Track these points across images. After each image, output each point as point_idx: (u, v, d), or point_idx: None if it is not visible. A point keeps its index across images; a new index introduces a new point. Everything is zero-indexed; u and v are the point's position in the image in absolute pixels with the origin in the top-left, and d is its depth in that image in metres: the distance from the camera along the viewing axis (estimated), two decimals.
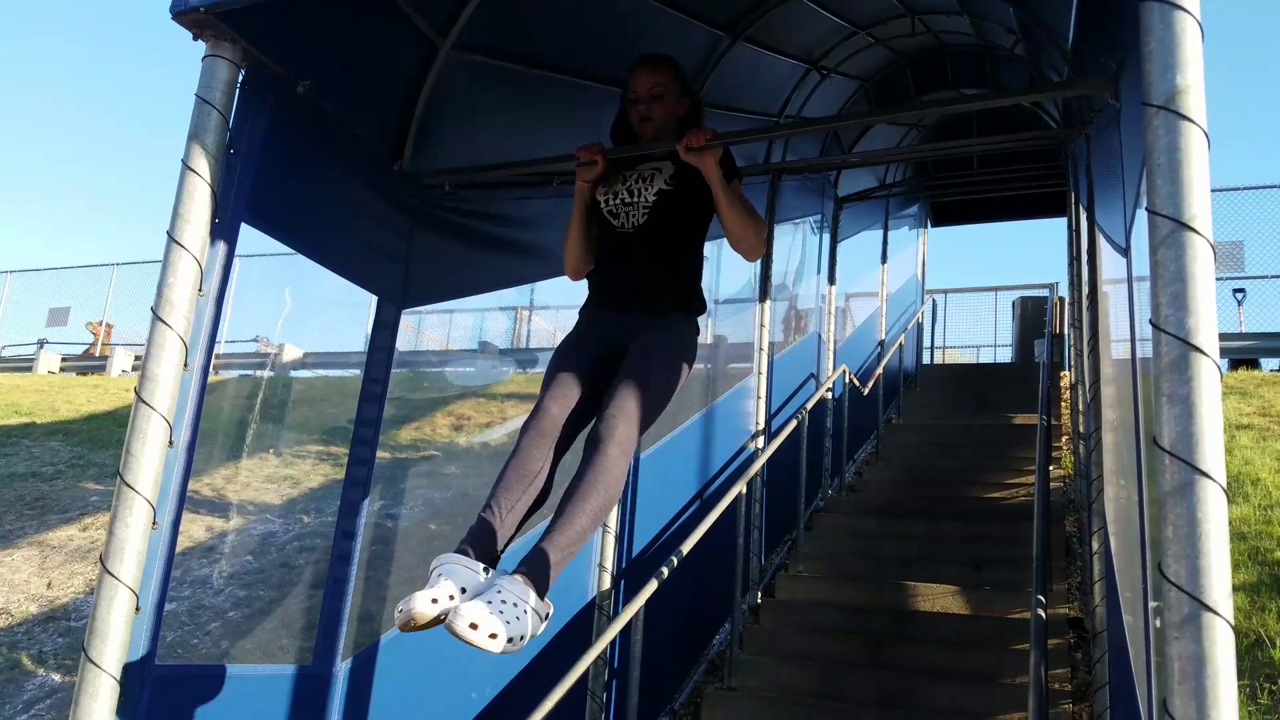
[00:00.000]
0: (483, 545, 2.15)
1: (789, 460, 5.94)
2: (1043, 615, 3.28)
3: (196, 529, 7.01)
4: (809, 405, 6.11)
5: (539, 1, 3.47)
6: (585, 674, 3.73)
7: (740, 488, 4.94)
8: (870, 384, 8.04)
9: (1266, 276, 11.33)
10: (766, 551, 6.01)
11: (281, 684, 2.93)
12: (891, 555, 5.94)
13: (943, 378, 11.49)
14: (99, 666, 2.06)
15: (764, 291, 6.02)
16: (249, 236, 2.56)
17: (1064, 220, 8.53)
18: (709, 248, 2.80)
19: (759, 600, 5.52)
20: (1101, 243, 3.56)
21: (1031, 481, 6.70)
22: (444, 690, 3.51)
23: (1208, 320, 1.32)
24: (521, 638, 1.96)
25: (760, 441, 5.86)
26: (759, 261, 6.02)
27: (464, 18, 3.21)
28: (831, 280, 7.79)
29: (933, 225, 11.80)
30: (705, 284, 2.77)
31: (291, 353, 13.68)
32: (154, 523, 2.18)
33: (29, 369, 15.25)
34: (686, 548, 4.18)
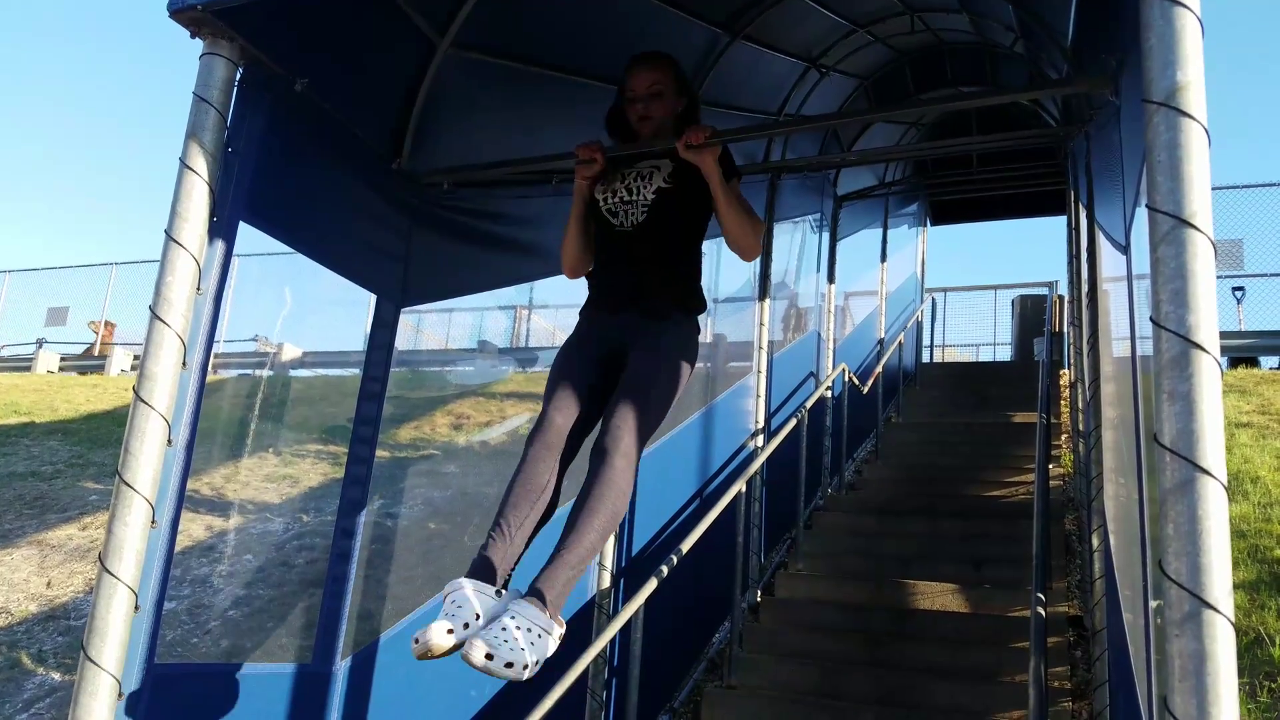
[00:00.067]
0: (493, 567, 2.18)
1: (788, 459, 5.93)
2: (1042, 613, 3.28)
3: (196, 528, 7.01)
4: (808, 404, 6.11)
5: (538, 0, 3.47)
6: (585, 672, 3.72)
7: (740, 486, 4.94)
8: (870, 382, 8.04)
9: (1266, 275, 11.34)
10: (766, 550, 6.01)
11: (281, 682, 2.92)
12: (891, 553, 5.94)
13: (942, 376, 11.49)
14: (98, 665, 2.06)
15: (763, 290, 6.02)
16: (248, 235, 2.56)
17: (1063, 218, 8.53)
18: (708, 246, 2.79)
19: (759, 599, 5.52)
20: (1101, 240, 3.56)
21: (1031, 479, 6.70)
22: (443, 688, 3.51)
23: (1208, 317, 1.32)
24: (536, 662, 2.00)
25: (760, 440, 5.86)
26: (758, 260, 6.02)
27: (462, 16, 3.20)
28: (831, 279, 7.78)
29: (932, 224, 11.80)
30: (705, 282, 2.77)
31: (290, 352, 13.68)
32: (153, 521, 2.18)
33: (28, 368, 15.24)
34: (686, 546, 4.18)
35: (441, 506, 7.58)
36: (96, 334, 16.11)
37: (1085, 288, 4.64)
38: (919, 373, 11.15)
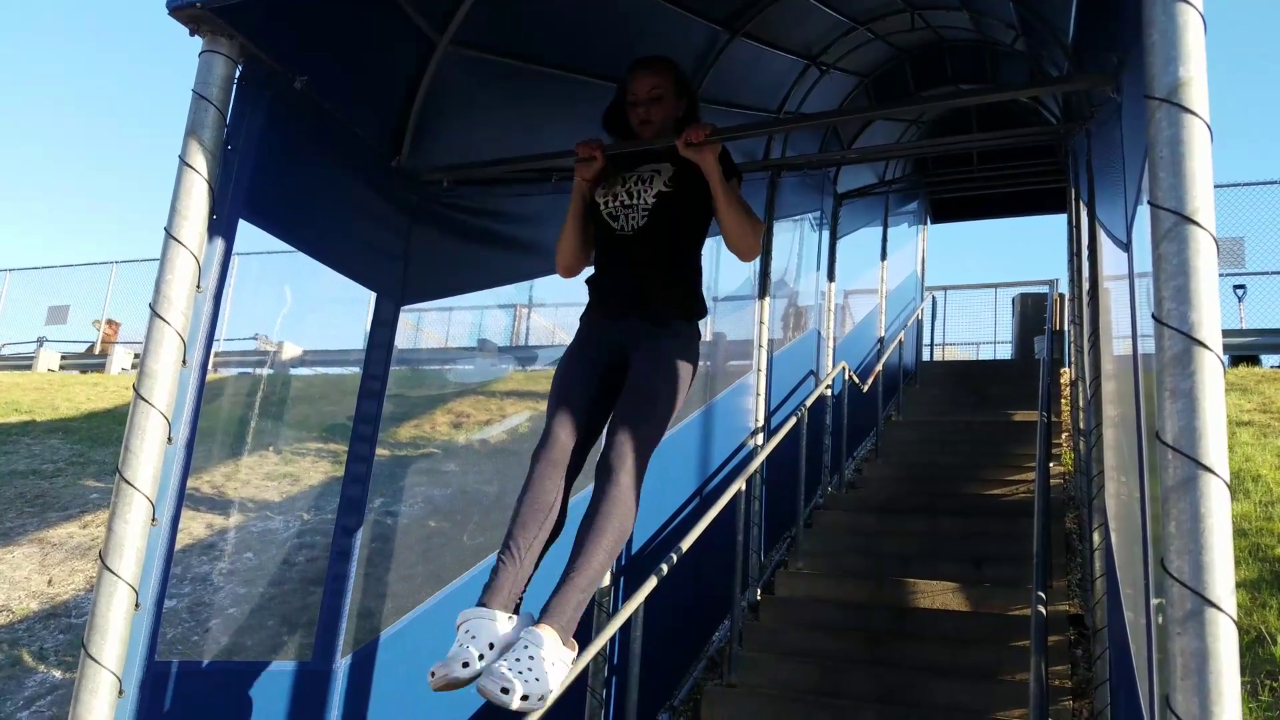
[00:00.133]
0: (505, 593, 2.20)
1: (788, 457, 5.93)
2: (1043, 611, 3.28)
3: (196, 526, 7.01)
4: (808, 402, 6.10)
5: None
6: (585, 671, 3.73)
7: (740, 485, 4.94)
8: (870, 381, 8.04)
9: (1267, 273, 11.33)
10: (766, 548, 6.01)
11: (281, 680, 2.92)
12: (891, 552, 5.94)
13: (942, 374, 11.49)
14: (99, 663, 2.05)
15: (763, 288, 6.01)
16: (248, 234, 2.55)
17: (1064, 216, 8.52)
18: (707, 245, 2.79)
19: (758, 597, 5.52)
20: (1102, 238, 3.55)
21: (1031, 478, 6.69)
22: None
23: (1210, 314, 1.31)
24: (553, 690, 2.04)
25: (760, 438, 5.86)
26: (758, 258, 6.01)
27: (462, 14, 3.20)
28: (831, 277, 7.78)
29: (932, 222, 11.79)
30: (705, 280, 2.76)
31: (291, 350, 13.68)
32: (153, 519, 2.17)
33: (29, 367, 15.24)
34: (686, 545, 4.17)
35: (441, 505, 7.58)
36: (99, 331, 16.10)
37: (1086, 285, 4.64)
38: (919, 371, 11.15)
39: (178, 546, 3.03)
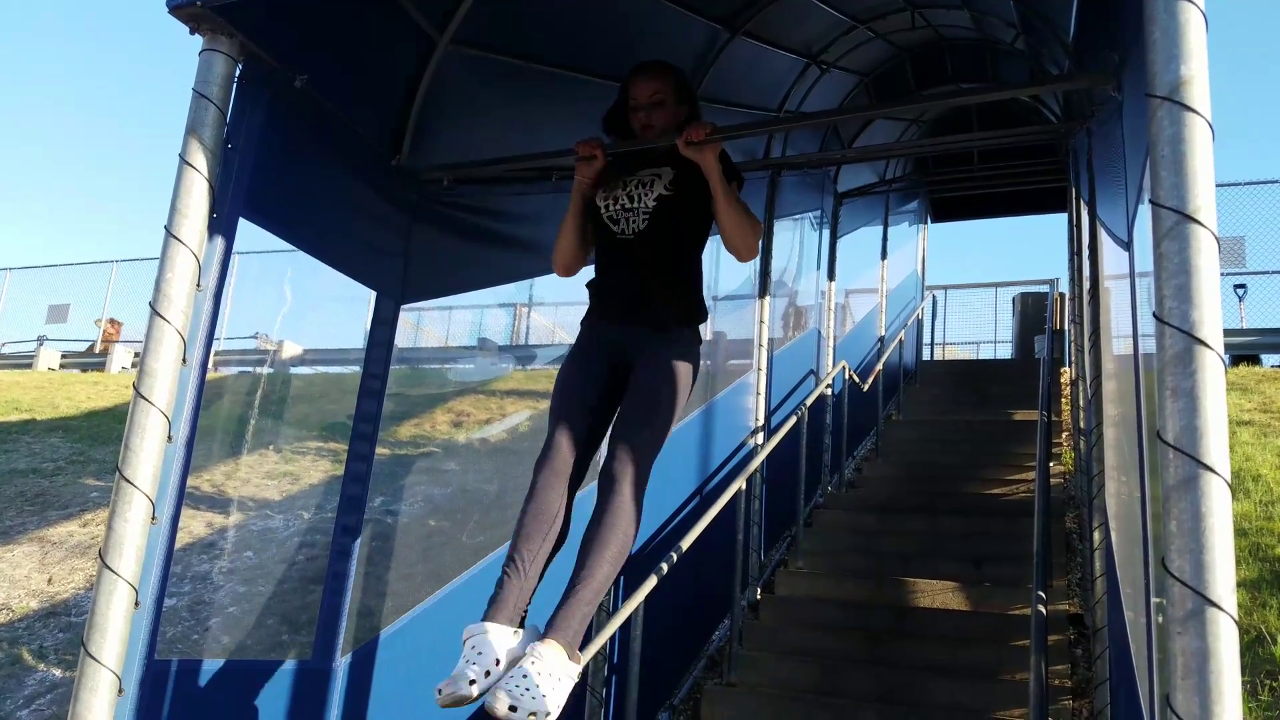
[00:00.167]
0: (510, 607, 2.21)
1: (789, 456, 5.93)
2: (1043, 611, 3.28)
3: (196, 525, 7.01)
4: (809, 401, 6.10)
5: None
6: (585, 669, 3.72)
7: (740, 484, 4.93)
8: (870, 380, 8.03)
9: (1268, 272, 11.33)
10: (766, 547, 6.00)
11: (281, 679, 2.92)
12: (891, 551, 5.94)
13: (943, 374, 11.48)
14: (98, 661, 2.05)
15: (763, 287, 6.01)
16: (248, 233, 2.55)
17: (1064, 216, 8.52)
18: (707, 245, 2.79)
19: (758, 596, 5.51)
20: (1103, 237, 3.55)
21: (1031, 477, 6.69)
22: None
23: (1212, 313, 1.31)
24: (559, 705, 2.05)
25: (760, 438, 5.85)
26: (759, 258, 6.01)
27: (462, 12, 3.20)
28: (831, 276, 7.78)
29: (933, 221, 11.78)
30: (705, 279, 2.76)
31: (291, 349, 13.68)
32: (153, 518, 2.17)
33: (29, 366, 15.24)
34: (686, 544, 4.17)
35: (441, 504, 7.58)
36: (101, 328, 16.08)
37: (1087, 284, 4.63)
38: (919, 370, 11.14)
39: (178, 545, 3.02)
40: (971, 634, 4.83)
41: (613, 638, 4.00)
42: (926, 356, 12.53)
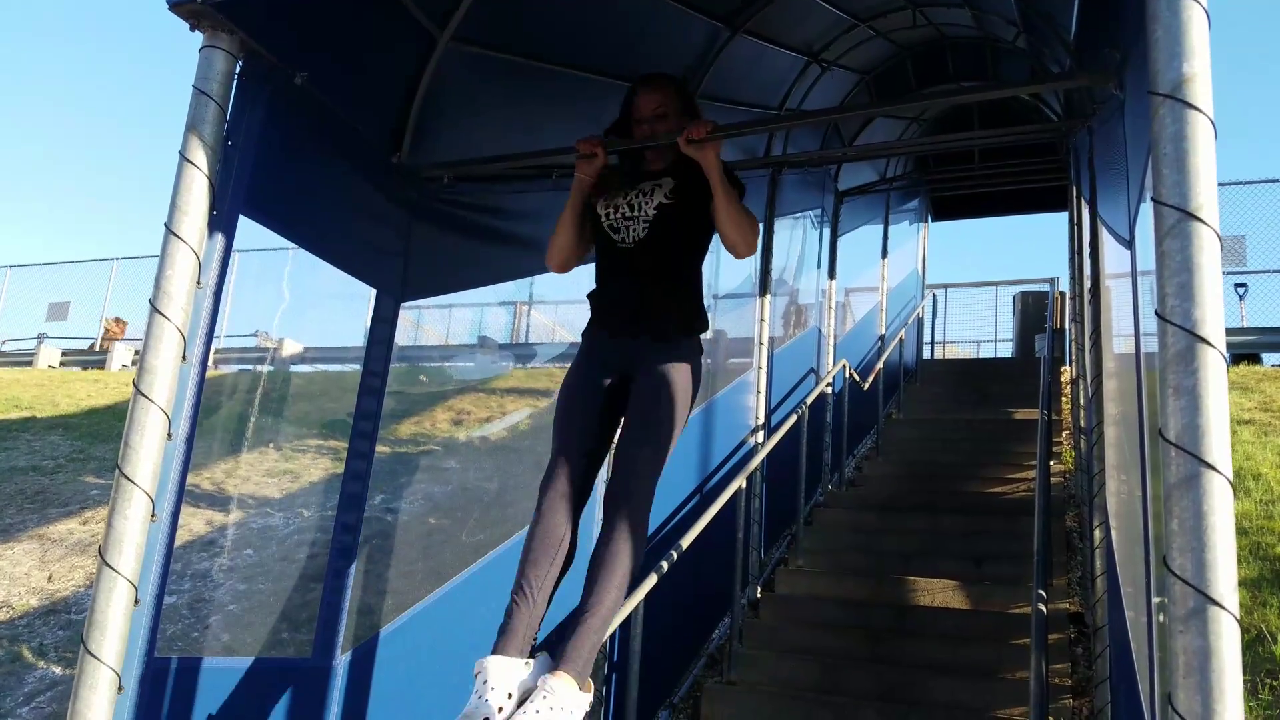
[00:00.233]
0: (520, 637, 2.22)
1: (789, 455, 5.93)
2: (1043, 610, 3.27)
3: (196, 523, 7.01)
4: (809, 400, 6.10)
5: None
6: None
7: (740, 482, 4.93)
8: (870, 379, 8.03)
9: (1268, 271, 11.31)
10: (766, 546, 6.00)
11: (281, 676, 2.92)
12: (892, 550, 5.93)
13: (943, 373, 11.48)
14: (98, 659, 2.05)
15: (764, 286, 6.01)
16: (249, 231, 2.55)
17: (1065, 214, 8.52)
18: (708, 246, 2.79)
19: (758, 595, 5.51)
20: (1105, 236, 3.55)
21: (1032, 476, 6.69)
22: (443, 683, 3.50)
23: (1214, 311, 1.31)
24: None
25: (760, 436, 5.85)
26: (759, 257, 6.02)
27: (462, 10, 3.19)
28: (832, 275, 7.77)
29: (933, 220, 11.78)
30: (705, 278, 2.76)
31: (291, 347, 13.68)
32: (153, 515, 2.17)
33: (29, 363, 15.24)
34: (686, 542, 4.17)
35: (441, 502, 7.58)
36: (108, 330, 16.06)
37: (1087, 283, 4.63)
38: (920, 369, 11.14)
39: (178, 543, 3.02)
40: (972, 632, 4.83)
41: (613, 636, 4.00)
42: (927, 355, 12.53)
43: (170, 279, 2.25)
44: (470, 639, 3.59)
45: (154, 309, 2.23)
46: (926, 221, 11.78)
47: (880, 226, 9.67)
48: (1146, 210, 1.52)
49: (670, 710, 4.78)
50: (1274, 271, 11.29)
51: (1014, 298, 14.35)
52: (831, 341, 7.62)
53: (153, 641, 2.24)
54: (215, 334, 2.48)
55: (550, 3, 3.49)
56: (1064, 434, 8.05)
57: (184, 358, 2.27)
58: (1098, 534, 3.90)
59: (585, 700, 2.13)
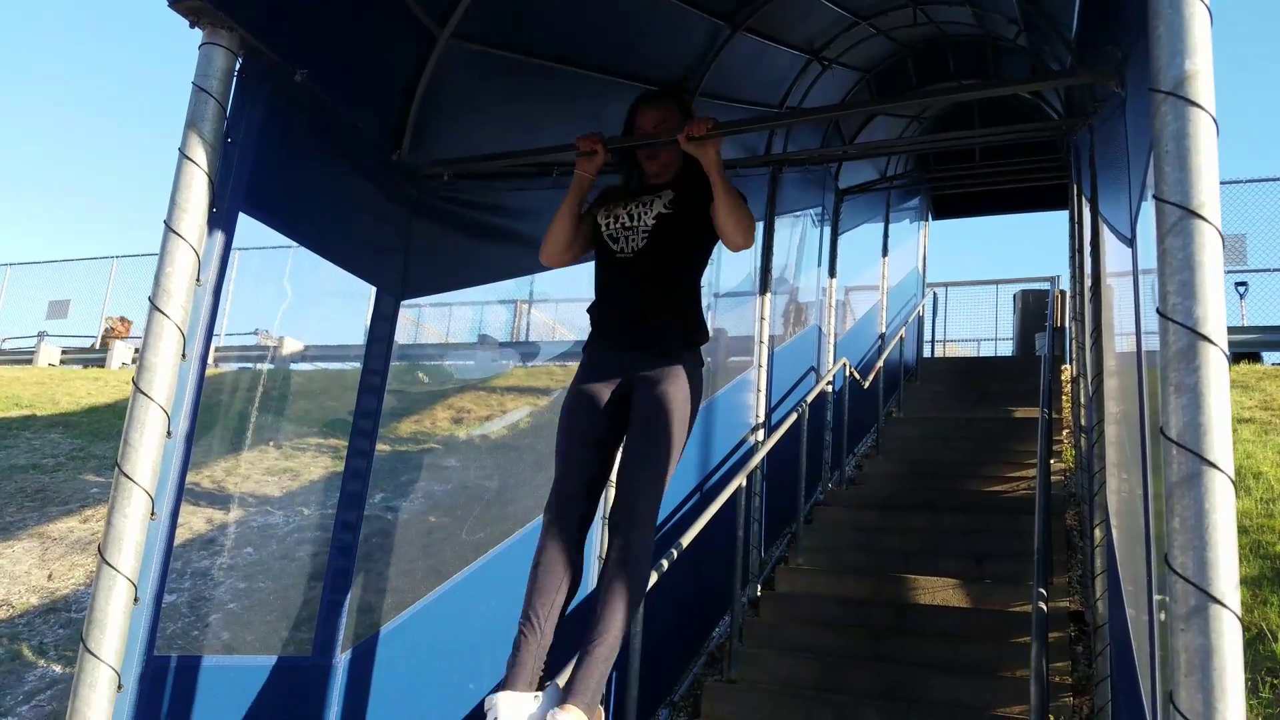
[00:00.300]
0: (529, 670, 2.23)
1: (789, 453, 5.93)
2: (1044, 608, 3.27)
3: (196, 521, 7.01)
4: (809, 398, 6.10)
5: None
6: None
7: (740, 481, 4.93)
8: (871, 377, 8.03)
9: (1269, 270, 11.30)
10: (766, 544, 6.00)
11: (281, 675, 2.92)
12: (892, 548, 5.93)
13: (943, 371, 11.48)
14: (97, 657, 2.05)
15: (764, 284, 6.00)
16: (249, 229, 2.54)
17: (1065, 213, 8.51)
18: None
19: (759, 593, 5.52)
20: (1106, 234, 3.54)
21: (1032, 475, 6.69)
22: (443, 682, 3.50)
23: (1216, 309, 1.30)
24: None
25: (760, 435, 5.85)
26: (759, 255, 6.02)
27: (463, 7, 3.19)
28: (832, 273, 7.77)
29: (934, 218, 11.78)
30: (705, 276, 2.76)
31: (291, 346, 13.68)
32: (152, 513, 2.17)
33: (29, 361, 15.24)
34: (686, 540, 4.17)
35: (442, 500, 7.58)
36: (103, 326, 16.05)
37: (1088, 282, 4.63)
38: (920, 367, 11.14)
39: (178, 541, 3.02)
40: (972, 631, 4.83)
41: None
42: (927, 354, 12.52)
43: (170, 276, 2.24)
44: (470, 637, 3.60)
45: (153, 306, 2.23)
46: (927, 220, 11.78)
47: (881, 225, 9.67)
48: (1148, 208, 1.52)
49: (670, 708, 4.78)
50: (1274, 270, 11.29)
51: (1014, 296, 14.35)
52: (832, 340, 7.62)
53: (152, 640, 2.23)
54: (215, 332, 2.48)
55: (551, 0, 3.49)
56: (1064, 432, 8.05)
57: (184, 355, 2.26)
58: (1098, 532, 3.90)
59: None
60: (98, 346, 15.84)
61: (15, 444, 9.19)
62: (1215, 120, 1.37)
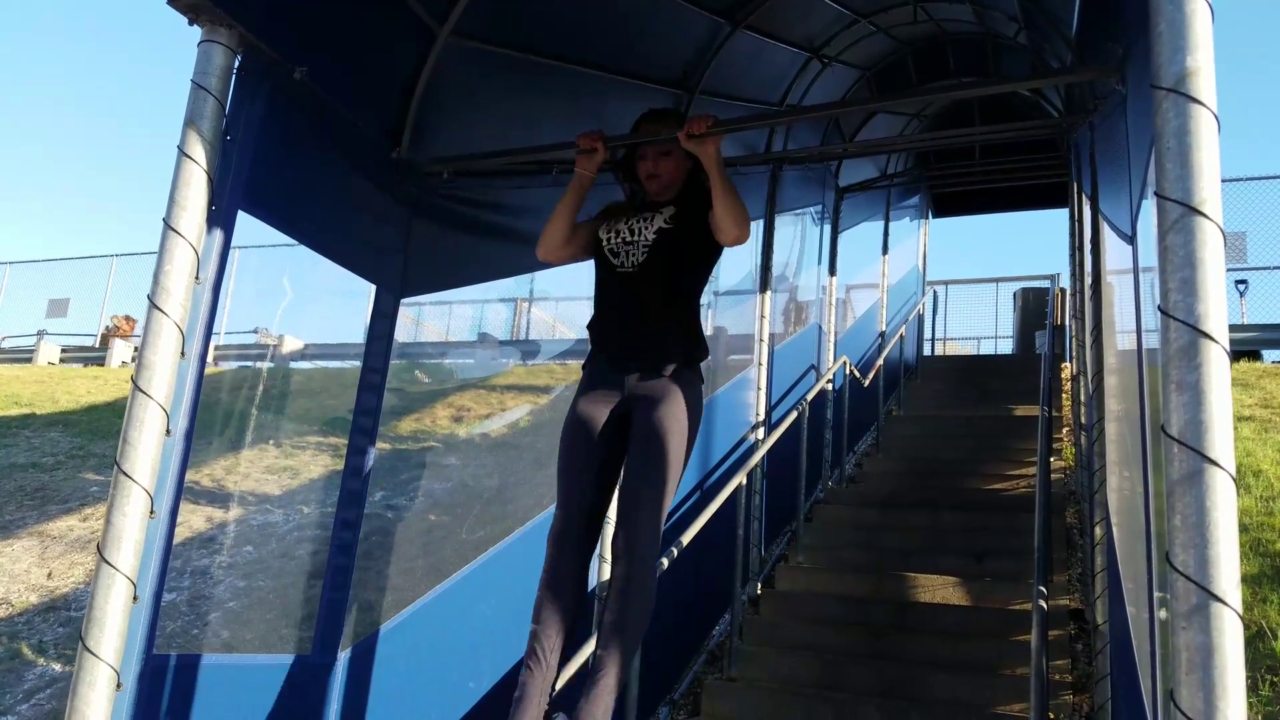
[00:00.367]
0: (535, 705, 2.24)
1: (789, 452, 5.92)
2: (1044, 606, 3.27)
3: (196, 519, 7.01)
4: (809, 397, 6.09)
5: None
6: (585, 664, 3.72)
7: (740, 479, 4.93)
8: (871, 375, 8.03)
9: (1269, 268, 11.29)
10: (766, 543, 6.00)
11: (281, 673, 2.92)
12: (892, 546, 5.93)
13: (944, 369, 11.47)
14: (96, 656, 2.04)
15: (764, 283, 6.00)
16: (249, 227, 2.54)
17: (1065, 211, 8.51)
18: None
19: (759, 591, 5.51)
20: (1106, 232, 3.54)
21: (1032, 473, 6.69)
22: (442, 680, 3.50)
23: (1217, 306, 1.30)
24: None
25: (760, 433, 5.85)
26: (760, 253, 6.01)
27: (463, 4, 3.18)
28: (832, 271, 7.76)
29: (934, 216, 11.77)
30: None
31: (291, 344, 13.67)
32: (151, 511, 2.17)
33: (29, 360, 15.24)
34: (686, 539, 4.17)
35: (441, 498, 7.58)
36: (118, 327, 16.03)
37: (1088, 280, 4.62)
38: (920, 365, 11.13)
39: (177, 540, 3.02)
40: (972, 629, 4.83)
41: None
42: (927, 352, 12.51)
43: (169, 274, 2.24)
44: (470, 635, 3.59)
45: (152, 305, 2.23)
46: (927, 218, 11.77)
47: (881, 223, 9.66)
48: (1148, 205, 1.52)
49: (671, 706, 4.78)
50: (1274, 268, 11.28)
51: (1014, 294, 14.34)
52: (832, 338, 7.62)
53: (151, 638, 2.23)
54: (215, 330, 2.48)
55: None
56: (1064, 430, 8.04)
57: (183, 354, 2.26)
58: (1098, 530, 3.89)
59: None
60: (98, 345, 15.84)
61: (15, 442, 9.19)
62: (1216, 117, 1.36)
